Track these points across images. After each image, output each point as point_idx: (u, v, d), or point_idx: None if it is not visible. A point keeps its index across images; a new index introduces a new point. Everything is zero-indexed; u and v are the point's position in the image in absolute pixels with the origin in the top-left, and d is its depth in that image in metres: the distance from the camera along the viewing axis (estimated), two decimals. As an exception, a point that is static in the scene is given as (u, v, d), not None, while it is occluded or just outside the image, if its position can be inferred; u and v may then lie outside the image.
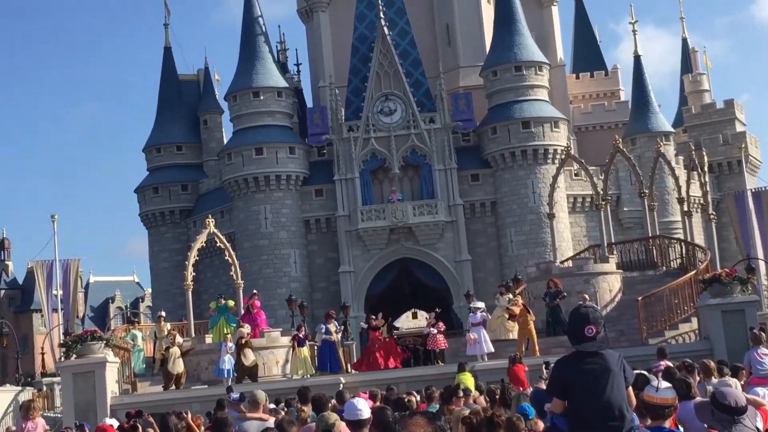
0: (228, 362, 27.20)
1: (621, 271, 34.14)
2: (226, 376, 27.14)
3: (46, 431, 12.32)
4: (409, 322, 67.63)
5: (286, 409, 14.87)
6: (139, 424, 10.46)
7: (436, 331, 29.09)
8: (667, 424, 6.53)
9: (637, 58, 59.66)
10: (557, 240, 45.22)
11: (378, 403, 10.96)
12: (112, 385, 25.46)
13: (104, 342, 25.85)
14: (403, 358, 29.45)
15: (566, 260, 38.60)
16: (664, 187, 53.28)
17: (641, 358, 21.65)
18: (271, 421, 9.97)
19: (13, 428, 18.27)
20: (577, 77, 64.78)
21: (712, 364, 13.29)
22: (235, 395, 11.85)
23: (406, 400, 9.22)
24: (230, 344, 27.55)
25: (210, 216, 38.38)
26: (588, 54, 67.75)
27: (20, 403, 22.63)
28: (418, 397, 14.93)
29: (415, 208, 51.25)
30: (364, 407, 7.07)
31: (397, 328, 32.15)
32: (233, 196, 53.62)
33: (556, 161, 49.34)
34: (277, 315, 46.17)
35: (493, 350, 27.54)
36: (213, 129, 60.46)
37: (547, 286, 29.54)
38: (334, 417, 7.37)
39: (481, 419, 6.10)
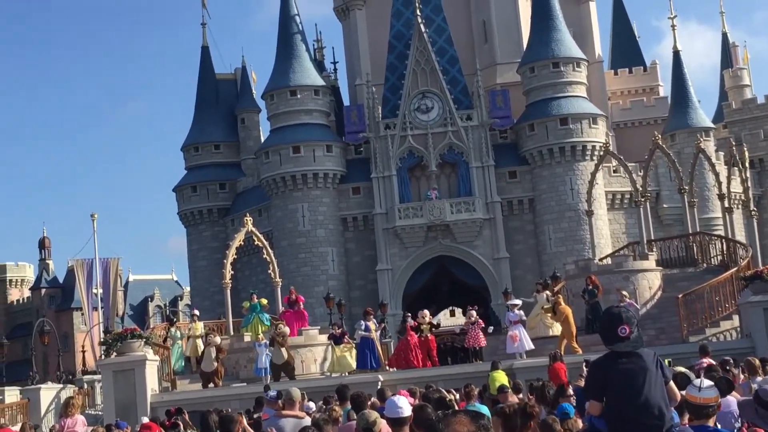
0: (265, 360, 27.27)
1: (661, 268, 33.82)
2: (264, 374, 27.20)
3: (86, 428, 12.39)
4: (447, 320, 67.61)
5: (324, 407, 14.87)
6: (180, 422, 10.50)
7: (473, 327, 28.94)
8: (711, 422, 6.43)
9: (676, 54, 59.12)
10: (596, 237, 44.90)
11: (417, 401, 10.91)
12: (152, 383, 25.62)
13: (144, 340, 26.04)
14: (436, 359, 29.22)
15: (605, 257, 38.31)
16: (704, 184, 52.77)
17: (682, 355, 21.44)
18: (307, 419, 9.96)
19: (56, 426, 18.43)
20: (616, 73, 64.32)
21: (757, 361, 13.11)
22: (272, 393, 11.86)
23: (447, 398, 9.17)
24: (265, 341, 27.61)
25: (248, 214, 38.51)
26: (626, 50, 67.20)
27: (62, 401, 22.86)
28: (457, 396, 14.87)
29: (453, 206, 51.13)
30: (404, 405, 7.02)
31: (438, 326, 31.92)
32: (271, 194, 53.78)
33: (595, 158, 48.98)
34: (315, 313, 46.21)
35: (533, 347, 27.38)
36: (250, 128, 60.71)
37: (585, 283, 29.35)
38: (374, 415, 7.33)
39: (514, 410, 6.05)
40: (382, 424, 7.24)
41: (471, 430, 2.60)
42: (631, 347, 5.07)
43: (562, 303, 27.40)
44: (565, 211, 51.73)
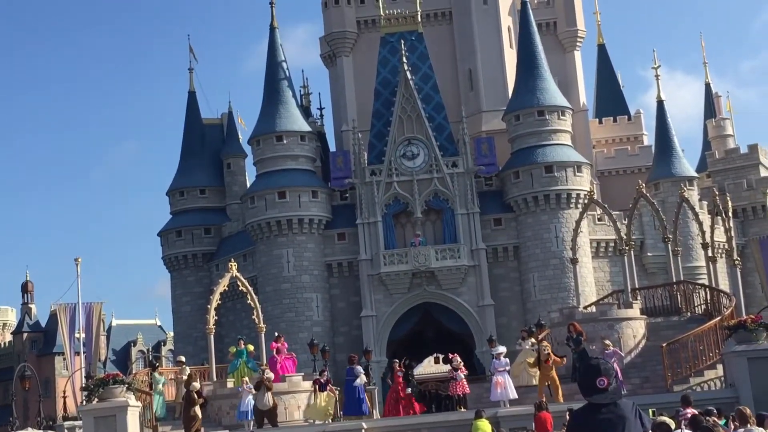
0: (249, 404, 27.09)
1: (645, 316, 33.86)
2: (247, 418, 27.00)
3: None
4: (431, 367, 67.36)
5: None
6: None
7: (456, 375, 28.85)
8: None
9: (660, 103, 59.65)
10: (580, 285, 44.94)
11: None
12: (133, 429, 25.35)
13: (126, 386, 25.79)
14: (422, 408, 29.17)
15: (590, 305, 38.32)
16: (688, 232, 52.98)
17: (666, 405, 21.38)
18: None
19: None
20: (600, 122, 64.83)
21: (748, 411, 13.09)
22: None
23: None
24: (249, 386, 27.47)
25: (232, 259, 38.40)
26: (611, 99, 67.78)
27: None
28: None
29: (438, 252, 51.18)
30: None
31: (412, 378, 31.70)
32: (256, 239, 53.73)
33: (579, 206, 49.24)
34: (299, 359, 45.92)
35: (516, 396, 27.30)
36: (236, 173, 60.81)
37: (568, 330, 29.32)
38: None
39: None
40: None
41: None
42: (610, 398, 5.12)
43: (552, 355, 27.24)
44: (549, 259, 51.84)
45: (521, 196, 52.57)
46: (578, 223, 41.27)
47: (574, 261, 40.11)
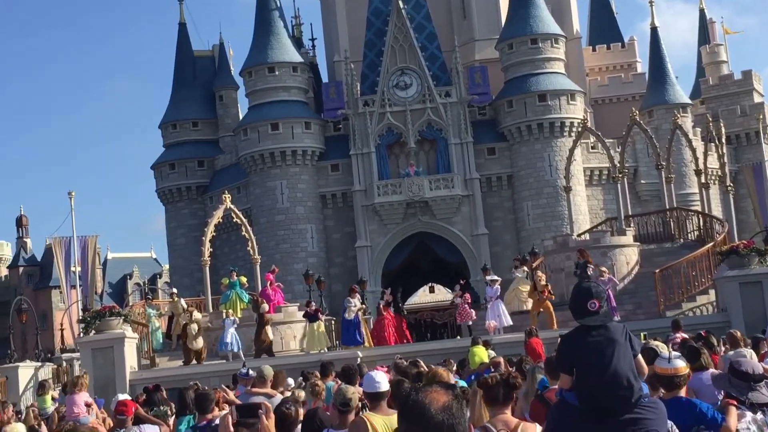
0: (231, 336, 27.27)
1: (638, 243, 34.05)
2: (228, 349, 27.18)
3: (88, 404, 12.41)
4: (427, 296, 67.80)
5: (304, 383, 14.92)
6: (155, 398, 10.53)
7: (461, 301, 29.09)
8: (682, 393, 6.54)
9: (654, 30, 59.20)
10: (574, 213, 45.07)
11: (397, 376, 10.98)
12: (131, 360, 25.61)
13: (122, 318, 25.99)
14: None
15: (583, 233, 38.52)
16: (682, 160, 52.97)
17: (659, 330, 21.60)
18: (278, 397, 9.99)
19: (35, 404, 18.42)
20: (594, 50, 64.40)
21: (739, 334, 13.22)
22: (243, 370, 11.90)
23: (424, 372, 9.24)
24: (232, 318, 27.63)
25: (226, 191, 38.42)
26: (605, 26, 67.26)
27: (39, 380, 22.81)
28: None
29: (432, 182, 51.17)
30: (382, 380, 7.08)
31: (401, 308, 31.91)
32: (249, 171, 53.64)
33: (573, 134, 49.15)
34: (294, 290, 46.29)
35: (511, 323, 27.53)
36: (229, 105, 60.49)
37: (576, 257, 29.41)
38: (351, 390, 7.39)
39: (497, 381, 6.08)
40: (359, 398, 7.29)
41: (446, 399, 2.63)
42: (600, 321, 5.15)
43: (543, 279, 27.40)
44: (543, 188, 51.88)
45: (515, 125, 52.42)
46: (572, 151, 41.28)
47: (568, 189, 40.18)
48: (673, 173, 42.59)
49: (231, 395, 10.34)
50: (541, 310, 26.94)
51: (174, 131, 59.74)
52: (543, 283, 27.06)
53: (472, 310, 29.37)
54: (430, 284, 63.96)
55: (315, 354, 26.60)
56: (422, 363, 13.79)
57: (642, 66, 63.70)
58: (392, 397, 7.20)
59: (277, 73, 53.40)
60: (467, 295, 29.61)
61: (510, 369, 9.36)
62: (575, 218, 45.57)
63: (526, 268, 30.02)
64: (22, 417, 14.13)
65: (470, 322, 29.12)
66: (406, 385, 7.46)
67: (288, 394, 11.32)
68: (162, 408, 11.86)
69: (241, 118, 57.61)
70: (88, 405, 12.05)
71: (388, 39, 52.35)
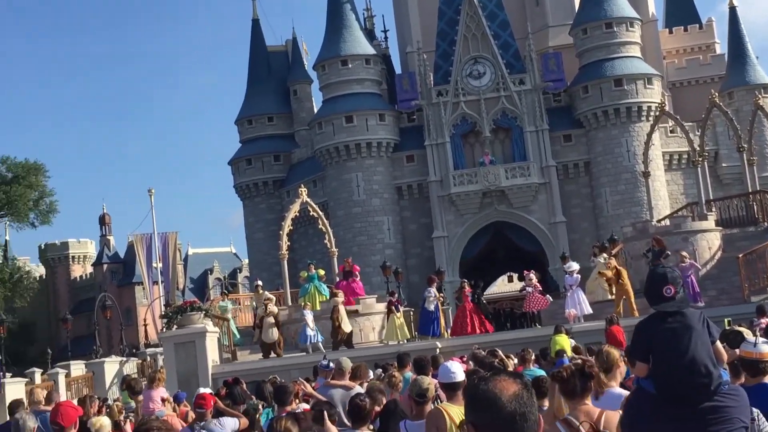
0: (312, 329, 27.30)
1: (720, 228, 33.34)
2: (309, 342, 27.20)
3: (164, 399, 12.60)
4: (505, 285, 67.46)
5: (382, 374, 14.93)
6: (235, 391, 10.62)
7: (532, 290, 28.81)
8: (766, 380, 6.35)
9: (733, 9, 57.99)
10: (653, 198, 44.42)
11: (473, 366, 10.92)
12: (212, 354, 25.87)
13: (203, 312, 26.28)
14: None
15: (663, 219, 37.87)
16: (764, 141, 51.87)
17: (743, 316, 21.11)
18: (357, 389, 9.99)
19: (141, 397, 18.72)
20: (671, 32, 63.25)
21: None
22: (323, 363, 11.92)
23: (498, 362, 9.16)
24: (309, 311, 27.65)
25: (302, 185, 38.64)
26: (681, 8, 65.98)
27: (124, 376, 23.21)
28: (515, 360, 14.83)
29: (508, 171, 50.85)
30: (458, 370, 7.03)
31: (479, 297, 31.63)
32: (325, 164, 53.90)
33: (651, 118, 48.37)
34: (372, 282, 46.38)
35: (591, 311, 27.19)
36: (303, 99, 60.85)
37: (650, 244, 28.97)
38: (427, 381, 7.35)
39: (572, 371, 5.96)
40: (438, 389, 7.25)
41: (516, 388, 2.58)
42: (677, 307, 5.01)
43: (618, 265, 27.05)
44: (621, 173, 51.21)
45: (591, 110, 51.81)
46: (650, 135, 40.61)
47: (647, 174, 39.57)
48: (755, 155, 41.65)
49: (309, 388, 10.39)
50: (624, 297, 26.55)
51: (250, 126, 60.32)
52: (613, 265, 26.67)
53: (547, 296, 29.05)
54: (508, 273, 63.63)
55: (394, 345, 26.59)
56: (500, 352, 13.72)
57: (721, 47, 62.41)
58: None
59: (350, 65, 53.54)
60: (538, 285, 29.29)
61: (588, 358, 9.22)
62: (655, 204, 44.90)
63: (605, 255, 29.58)
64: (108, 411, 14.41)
65: (536, 311, 28.79)
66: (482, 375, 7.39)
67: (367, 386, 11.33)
68: (255, 401, 11.98)
69: (315, 111, 57.90)
70: (164, 400, 12.22)
71: (460, 28, 52.12)
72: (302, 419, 6.03)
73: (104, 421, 8.22)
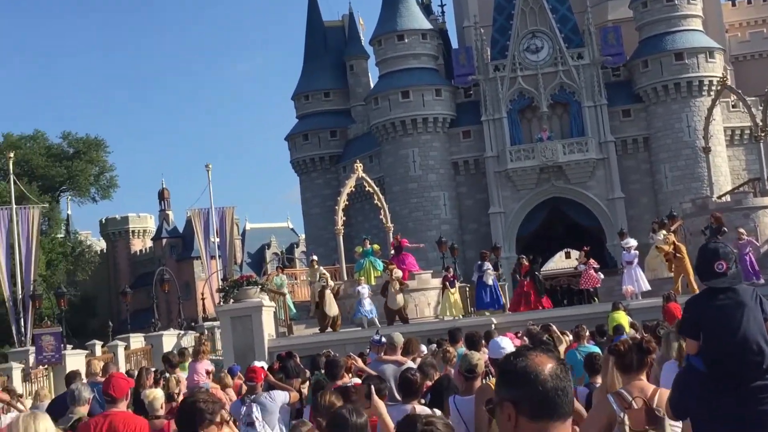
0: (368, 303, 27.31)
1: (783, 204, 32.73)
2: (365, 316, 27.21)
3: (209, 371, 12.73)
4: (563, 262, 67.01)
5: (437, 349, 14.91)
6: (288, 365, 10.66)
7: (586, 267, 28.58)
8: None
9: (798, -19, 56.67)
10: (714, 174, 43.73)
11: (527, 342, 10.84)
12: (268, 328, 26.03)
13: (259, 287, 26.42)
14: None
15: (724, 195, 37.30)
16: (829, 116, 50.65)
17: (805, 294, 20.71)
18: (409, 363, 9.97)
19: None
20: (733, 4, 62.06)
21: None
22: (375, 337, 11.91)
23: (544, 336, 9.08)
24: (364, 286, 27.64)
25: (358, 161, 38.64)
26: (744, -21, 64.67)
27: (179, 348, 23.46)
28: (570, 337, 14.72)
29: (565, 147, 50.39)
30: (507, 345, 6.97)
31: (538, 274, 31.40)
32: (381, 140, 53.86)
33: (712, 93, 47.55)
34: (428, 257, 46.29)
35: (649, 288, 26.89)
36: (359, 74, 60.78)
37: (708, 221, 28.55)
38: (477, 356, 7.29)
39: (629, 347, 5.86)
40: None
41: (552, 364, 2.52)
42: (728, 283, 4.89)
43: (677, 241, 26.70)
44: (681, 149, 50.47)
45: (651, 85, 51.06)
46: (711, 110, 39.97)
47: (707, 150, 38.98)
48: (820, 130, 40.74)
49: (360, 363, 10.39)
50: (683, 275, 26.18)
51: (306, 102, 60.42)
52: (671, 240, 26.29)
53: (599, 274, 28.79)
54: (565, 250, 63.18)
55: (449, 321, 26.55)
56: (554, 328, 13.61)
57: (785, 19, 61.08)
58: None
59: (406, 40, 53.34)
60: (592, 261, 29.03)
61: (644, 334, 9.10)
62: (715, 180, 44.22)
63: (664, 232, 29.19)
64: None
65: (592, 288, 28.56)
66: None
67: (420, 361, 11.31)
68: (320, 372, 12.03)
69: (371, 87, 57.82)
70: (208, 372, 12.33)
71: (517, 2, 51.62)
72: (352, 393, 6.01)
73: (157, 393, 8.28)
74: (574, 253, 61.94)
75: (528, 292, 28.05)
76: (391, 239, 33.63)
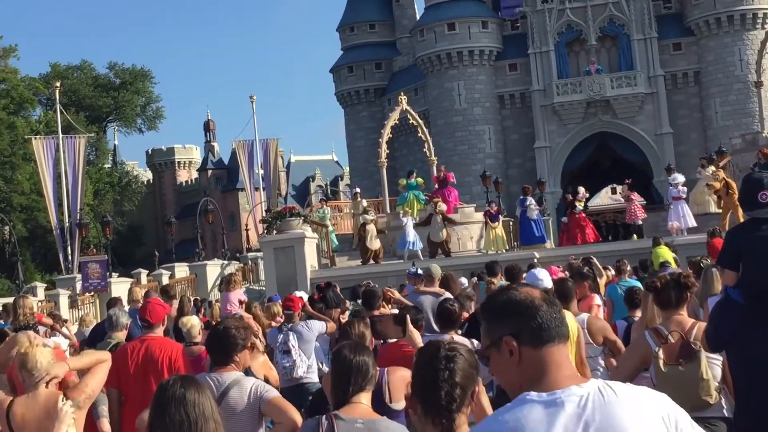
0: (413, 236, 27.28)
1: (835, 140, 32.12)
2: (410, 248, 27.20)
3: (242, 301, 12.81)
4: (609, 197, 66.49)
5: (477, 281, 14.87)
6: (328, 295, 10.68)
7: (630, 201, 28.32)
8: None
9: None
10: (766, 109, 42.92)
11: (566, 274, 10.74)
12: (311, 260, 26.14)
13: (302, 218, 26.48)
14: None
15: (775, 131, 36.62)
16: None
17: None
18: (447, 295, 9.93)
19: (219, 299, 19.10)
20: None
21: None
22: (412, 269, 11.89)
23: (585, 269, 9.00)
24: (408, 218, 27.58)
25: (403, 93, 38.36)
26: None
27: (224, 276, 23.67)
28: (612, 272, 14.62)
29: (613, 81, 49.69)
30: (545, 277, 6.91)
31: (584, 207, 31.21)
32: (426, 73, 53.43)
33: (766, 26, 46.51)
34: (472, 191, 46.21)
35: (695, 224, 26.58)
36: (405, 6, 60.15)
37: (757, 157, 28.04)
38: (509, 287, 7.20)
39: (666, 282, 5.73)
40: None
41: (538, 293, 2.46)
42: None
43: (727, 177, 26.28)
44: (733, 84, 49.58)
45: (702, 18, 50.02)
46: (764, 44, 39.14)
47: (759, 84, 38.27)
48: None
49: (397, 294, 10.38)
50: (731, 212, 25.79)
51: (351, 34, 59.99)
52: (721, 176, 25.87)
53: (639, 206, 28.50)
54: (611, 186, 62.61)
55: (492, 255, 26.47)
56: (595, 261, 13.50)
57: None
58: (556, 295, 6.99)
59: (453, -29, 52.60)
60: (635, 194, 28.74)
61: (685, 270, 8.96)
62: (767, 115, 43.39)
63: (713, 168, 28.74)
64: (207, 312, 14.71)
65: (636, 223, 28.31)
66: (569, 284, 7.22)
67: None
68: (356, 302, 12.06)
69: (417, 19, 57.23)
70: (241, 302, 12.41)
71: (567, -69, 50.59)
72: (382, 322, 5.97)
73: (194, 320, 8.33)
74: (621, 188, 61.47)
75: (576, 227, 27.87)
76: (435, 173, 33.48)
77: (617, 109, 49.91)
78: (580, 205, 28.35)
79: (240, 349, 5.22)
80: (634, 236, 28.00)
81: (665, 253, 17.75)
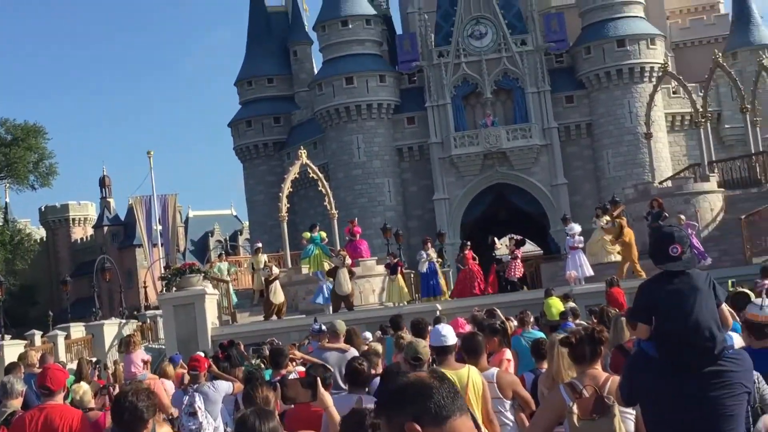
0: (326, 290, 27.19)
1: (723, 189, 33.17)
2: (323, 303, 27.09)
3: (145, 361, 12.50)
4: (507, 248, 67.25)
5: (382, 336, 14.83)
6: (232, 353, 10.49)
7: (511, 258, 28.85)
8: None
9: (737, -31, 57.32)
10: (656, 160, 44.16)
11: (473, 329, 10.78)
12: (212, 317, 25.76)
13: (202, 274, 26.11)
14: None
15: (665, 180, 37.68)
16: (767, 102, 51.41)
17: (745, 277, 20.94)
18: (352, 351, 9.86)
19: (118, 362, 18.65)
20: (674, -9, 62.58)
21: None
22: (315, 326, 11.78)
23: (497, 324, 9.03)
24: (322, 273, 27.50)
25: (302, 147, 38.36)
26: (685, -33, 65.25)
27: (122, 337, 23.12)
28: (515, 322, 14.72)
29: (509, 133, 50.55)
30: (448, 333, 6.87)
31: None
32: (325, 126, 53.58)
33: (653, 79, 47.96)
34: (372, 244, 46.06)
35: (592, 273, 27.05)
36: (303, 60, 60.37)
37: (650, 206, 28.79)
38: (423, 344, 7.18)
39: (581, 337, 5.79)
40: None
41: (424, 374, 2.49)
42: (683, 267, 4.83)
43: (626, 225, 26.88)
44: (623, 135, 50.92)
45: (593, 71, 51.42)
46: (652, 96, 40.32)
47: (648, 136, 39.31)
48: (759, 116, 41.31)
49: (298, 353, 10.27)
50: (629, 263, 26.34)
51: (250, 88, 59.89)
52: (622, 225, 26.49)
53: (520, 263, 29.05)
54: (509, 236, 63.36)
55: (394, 307, 26.48)
56: (499, 313, 13.58)
57: (725, 6, 61.81)
58: (464, 350, 6.99)
59: (350, 26, 53.08)
60: (519, 251, 29.32)
61: (593, 322, 9.06)
62: (657, 165, 44.66)
63: (607, 217, 29.38)
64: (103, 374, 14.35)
65: (516, 278, 28.79)
66: (479, 339, 7.23)
67: (365, 348, 11.20)
68: (252, 363, 11.85)
69: (315, 72, 57.48)
70: (145, 362, 12.13)
71: (461, -12, 51.57)
72: (291, 385, 5.87)
73: (84, 387, 8.09)
74: (507, 243, 62.29)
75: (473, 278, 28.14)
76: (338, 226, 33.49)
77: (513, 161, 50.74)
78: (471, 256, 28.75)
79: (147, 422, 5.07)
80: (525, 287, 28.46)
81: (557, 304, 18.01)
